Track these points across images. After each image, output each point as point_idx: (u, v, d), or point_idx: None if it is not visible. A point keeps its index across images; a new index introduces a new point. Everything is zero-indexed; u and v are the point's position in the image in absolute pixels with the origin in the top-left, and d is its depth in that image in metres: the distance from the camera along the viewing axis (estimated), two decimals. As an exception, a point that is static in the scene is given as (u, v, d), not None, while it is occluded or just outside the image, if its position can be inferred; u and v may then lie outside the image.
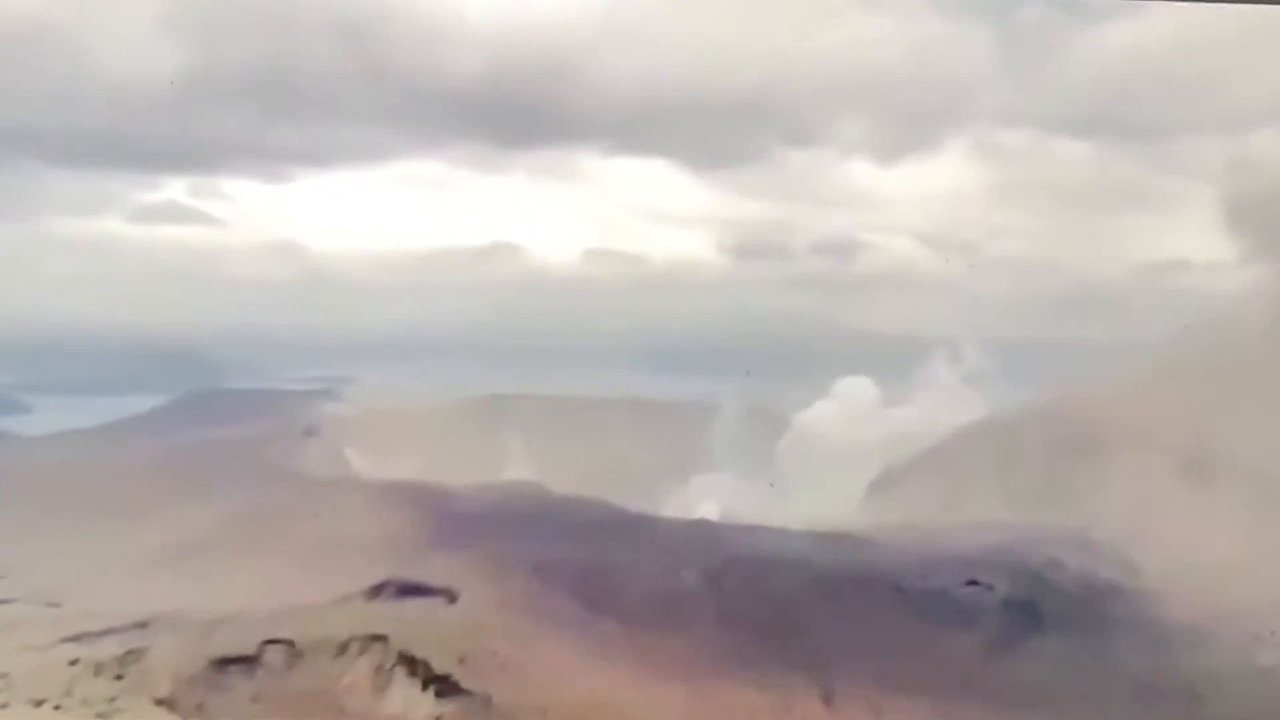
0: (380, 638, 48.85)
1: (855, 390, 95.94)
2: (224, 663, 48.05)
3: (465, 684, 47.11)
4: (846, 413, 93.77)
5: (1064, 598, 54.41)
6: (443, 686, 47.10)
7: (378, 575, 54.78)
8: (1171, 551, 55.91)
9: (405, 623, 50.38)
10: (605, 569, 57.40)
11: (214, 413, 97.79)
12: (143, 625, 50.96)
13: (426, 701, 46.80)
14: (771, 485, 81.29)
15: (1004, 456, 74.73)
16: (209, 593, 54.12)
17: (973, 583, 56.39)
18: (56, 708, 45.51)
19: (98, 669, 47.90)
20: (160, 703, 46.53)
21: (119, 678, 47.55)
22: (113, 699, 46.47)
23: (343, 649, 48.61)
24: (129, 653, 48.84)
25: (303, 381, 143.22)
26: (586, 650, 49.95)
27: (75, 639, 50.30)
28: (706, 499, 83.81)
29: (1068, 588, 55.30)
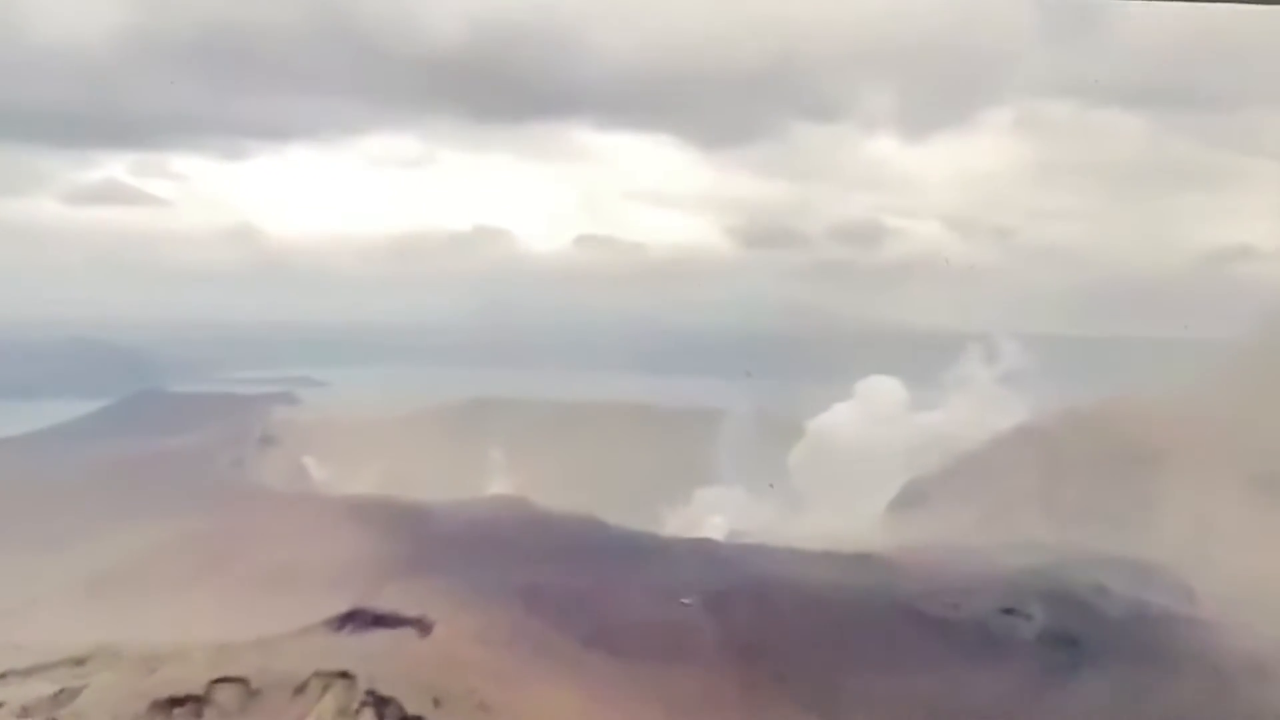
0: (345, 675, 48.90)
1: (879, 392, 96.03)
2: (169, 704, 48.01)
3: (440, 726, 47.12)
4: (868, 417, 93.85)
5: (1111, 628, 54.56)
6: (415, 729, 47.09)
7: (342, 604, 54.83)
8: (1233, 577, 56.03)
9: (373, 657, 50.40)
10: (598, 596, 57.47)
11: (158, 419, 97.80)
12: (78, 661, 51.00)
13: (397, 746, 46.87)
14: (771, 485, 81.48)
15: (1046, 468, 74.86)
16: (152, 624, 54.15)
17: (1009, 611, 56.53)
18: (-20, 754, 45.58)
19: (26, 710, 47.92)
20: (97, 748, 46.53)
21: (51, 720, 47.55)
22: (44, 744, 46.53)
23: (302, 688, 48.65)
24: (61, 692, 48.85)
25: (258, 383, 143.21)
26: (577, 688, 50.04)
27: (1, 677, 50.36)
28: (711, 515, 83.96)
29: (1115, 617, 55.43)
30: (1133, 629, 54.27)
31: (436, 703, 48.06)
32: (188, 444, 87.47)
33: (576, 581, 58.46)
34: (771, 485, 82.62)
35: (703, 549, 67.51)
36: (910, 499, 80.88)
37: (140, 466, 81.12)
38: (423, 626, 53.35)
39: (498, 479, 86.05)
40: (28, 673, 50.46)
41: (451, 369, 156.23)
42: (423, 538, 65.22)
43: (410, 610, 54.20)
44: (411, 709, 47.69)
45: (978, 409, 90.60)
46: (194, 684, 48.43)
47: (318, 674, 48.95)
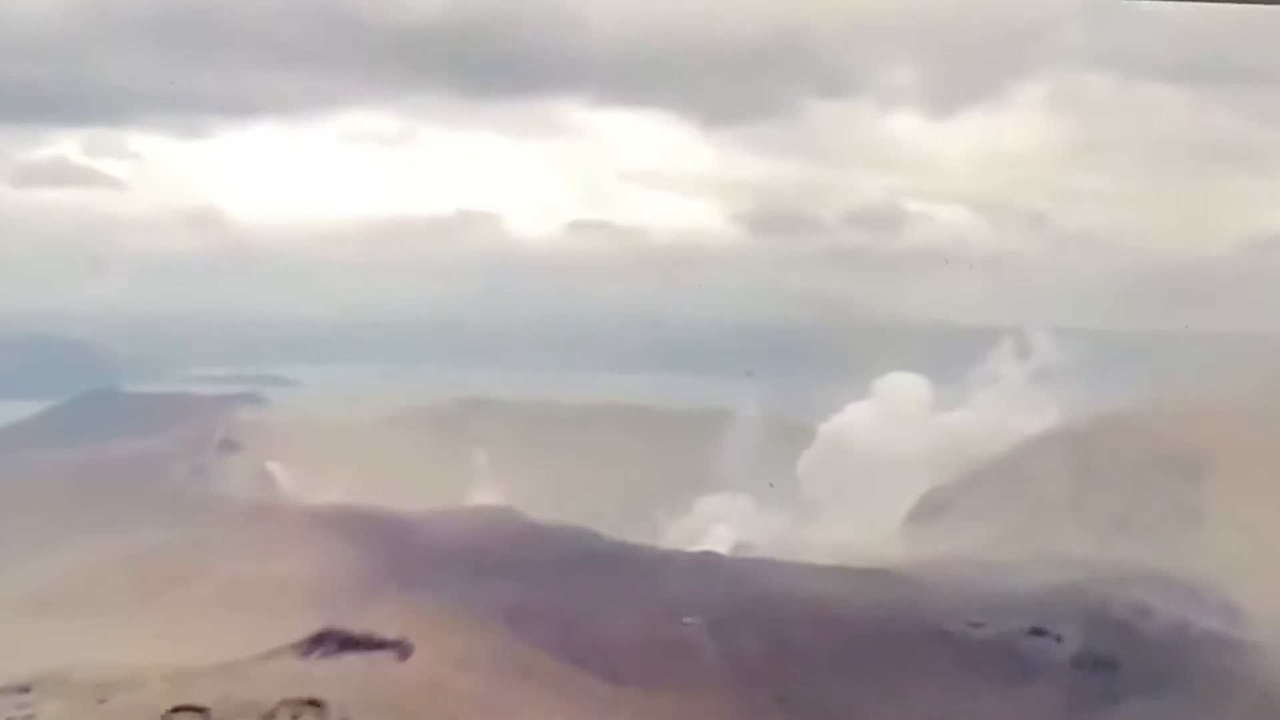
0: (315, 704, 48.84)
1: (898, 391, 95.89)
2: (123, 734, 48.00)
3: (419, 759, 47.17)
4: (886, 418, 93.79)
5: (1151, 652, 54.56)
6: (391, 762, 47.13)
7: (312, 625, 54.79)
8: (1284, 595, 55.99)
9: (347, 684, 50.38)
10: (592, 615, 57.53)
11: (110, 421, 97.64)
12: (22, 689, 50.87)
13: (371, 781, 46.91)
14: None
15: (1080, 475, 74.86)
16: (104, 647, 54.04)
17: (1039, 632, 56.56)
18: (-84, 790, 45.48)
19: (-33, 742, 47.83)
20: (44, 784, 46.54)
21: (-7, 753, 47.48)
22: (-14, 779, 46.47)
23: (269, 718, 48.63)
24: (6, 722, 48.78)
25: (221, 382, 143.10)
26: (569, 715, 50.07)
27: (-61, 706, 50.24)
28: (715, 527, 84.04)
29: (1156, 639, 55.44)
30: (1175, 652, 54.28)
31: (415, 733, 48.03)
32: (143, 449, 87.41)
33: (568, 599, 58.51)
34: (771, 485, 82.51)
35: (706, 563, 67.57)
36: (931, 508, 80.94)
37: (90, 473, 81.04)
38: (401, 649, 53.36)
39: (483, 487, 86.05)
40: (-32, 701, 50.34)
41: (432, 366, 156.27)
42: (400, 552, 65.24)
43: (387, 632, 54.20)
44: (388, 740, 47.65)
45: (1006, 409, 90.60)
46: (150, 713, 48.34)
47: (285, 702, 48.86)
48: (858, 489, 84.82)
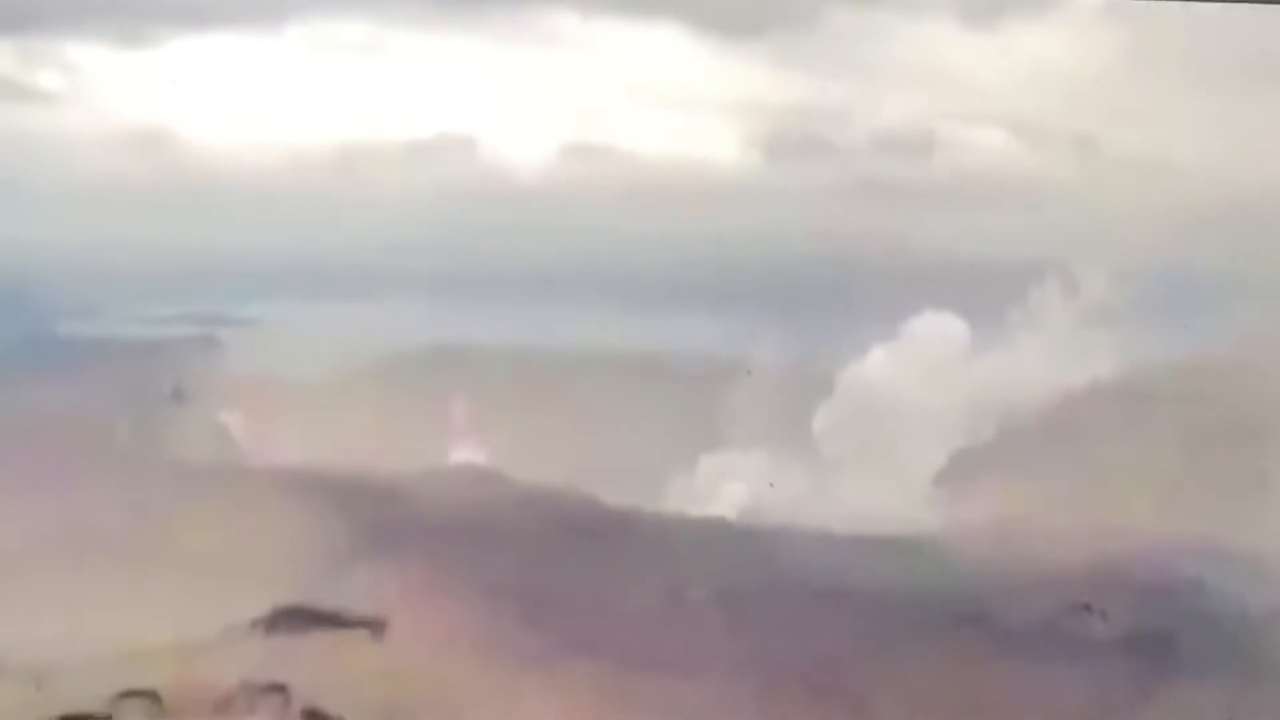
0: (278, 687, 49.27)
1: (930, 333, 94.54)
2: (64, 723, 48.39)
3: (394, 749, 47.69)
4: (916, 365, 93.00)
5: (1207, 631, 54.88)
6: (363, 752, 47.65)
7: (273, 599, 55.13)
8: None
9: (313, 666, 50.81)
10: (584, 589, 57.92)
11: (42, 369, 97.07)
12: (-52, 672, 51.20)
13: (341, 773, 47.44)
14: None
15: (1136, 432, 74.71)
16: (38, 626, 54.20)
17: (1085, 609, 56.84)
18: None
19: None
20: (-25, 780, 47.03)
21: (-83, 744, 47.82)
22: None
23: (225, 704, 49.04)
24: (-67, 710, 49.09)
25: (170, 323, 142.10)
26: (559, 700, 50.51)
27: None
28: (722, 489, 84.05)
29: (1217, 618, 55.72)
30: (1236, 633, 54.61)
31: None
32: (80, 400, 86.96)
33: (560, 571, 58.81)
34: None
35: (711, 531, 67.92)
36: (965, 469, 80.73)
37: (20, 430, 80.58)
38: (374, 628, 53.74)
39: (464, 444, 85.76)
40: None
41: (408, 307, 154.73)
42: (374, 518, 65.36)
43: (358, 607, 54.58)
44: (358, 728, 48.12)
45: (1052, 356, 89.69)
46: (93, 700, 48.75)
47: (244, 685, 49.31)
48: (881, 446, 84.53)
